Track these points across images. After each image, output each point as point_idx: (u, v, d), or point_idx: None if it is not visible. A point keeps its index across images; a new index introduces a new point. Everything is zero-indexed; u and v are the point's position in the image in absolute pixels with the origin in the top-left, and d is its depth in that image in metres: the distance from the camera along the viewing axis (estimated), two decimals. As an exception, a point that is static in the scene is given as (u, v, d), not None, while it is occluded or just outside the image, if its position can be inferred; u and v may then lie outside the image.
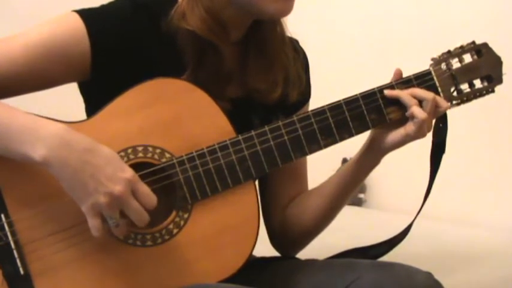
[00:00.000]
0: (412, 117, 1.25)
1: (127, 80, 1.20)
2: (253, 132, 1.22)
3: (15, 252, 1.14)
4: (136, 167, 1.15)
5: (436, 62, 1.30)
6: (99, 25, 1.21)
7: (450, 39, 1.35)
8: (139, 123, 1.19)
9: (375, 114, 1.27)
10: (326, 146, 1.25)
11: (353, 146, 1.34)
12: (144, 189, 1.13)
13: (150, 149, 1.19)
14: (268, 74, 1.30)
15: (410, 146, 1.30)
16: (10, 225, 1.14)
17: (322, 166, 1.68)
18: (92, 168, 1.09)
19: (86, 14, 1.21)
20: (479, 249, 1.83)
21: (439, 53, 1.31)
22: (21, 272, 1.14)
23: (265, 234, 1.39)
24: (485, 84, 1.32)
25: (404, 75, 1.30)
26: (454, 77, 1.30)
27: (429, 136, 1.31)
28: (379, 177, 1.62)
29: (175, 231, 1.19)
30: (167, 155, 1.19)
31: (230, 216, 1.21)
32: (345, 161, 2.31)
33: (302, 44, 1.41)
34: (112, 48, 1.21)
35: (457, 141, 1.43)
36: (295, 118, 1.24)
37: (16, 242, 1.14)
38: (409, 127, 1.26)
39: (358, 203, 2.41)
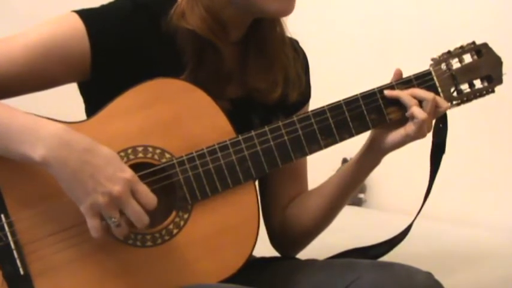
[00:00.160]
0: (412, 117, 1.25)
1: (127, 80, 1.20)
2: (253, 133, 1.22)
3: (15, 252, 1.14)
4: (136, 167, 1.15)
5: (436, 62, 1.30)
6: (99, 25, 1.21)
7: (450, 39, 1.35)
8: (139, 124, 1.19)
9: (375, 114, 1.27)
10: (326, 146, 1.25)
11: (353, 146, 1.34)
12: (144, 189, 1.13)
13: (150, 149, 1.19)
14: (268, 74, 1.30)
15: (410, 146, 1.30)
16: (10, 225, 1.14)
17: (322, 166, 1.68)
18: (92, 168, 1.09)
19: (85, 14, 1.21)
20: (479, 249, 1.83)
21: (439, 53, 1.31)
22: (21, 272, 1.14)
23: (265, 234, 1.39)
24: (485, 84, 1.32)
25: (404, 75, 1.30)
26: (454, 77, 1.30)
27: (429, 136, 1.31)
28: (379, 177, 1.62)
29: (175, 231, 1.19)
30: (167, 155, 1.19)
31: (230, 217, 1.21)
32: (345, 161, 2.31)
33: (302, 44, 1.41)
34: (112, 48, 1.21)
35: (457, 141, 1.43)
36: (295, 118, 1.24)
37: (16, 243, 1.14)
38: (409, 127, 1.26)
39: (358, 203, 2.41)
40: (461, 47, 1.31)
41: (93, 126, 1.18)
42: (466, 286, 1.57)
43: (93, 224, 1.11)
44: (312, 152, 1.25)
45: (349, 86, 1.38)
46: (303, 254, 1.42)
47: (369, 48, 2.42)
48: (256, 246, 1.22)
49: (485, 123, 2.14)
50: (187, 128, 1.21)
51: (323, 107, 1.25)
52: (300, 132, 1.24)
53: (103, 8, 1.24)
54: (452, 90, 1.30)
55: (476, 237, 1.93)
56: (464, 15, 2.19)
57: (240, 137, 1.22)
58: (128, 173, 1.11)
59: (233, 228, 1.21)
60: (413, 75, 1.29)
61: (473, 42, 1.32)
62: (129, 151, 1.18)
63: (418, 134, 1.26)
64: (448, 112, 1.31)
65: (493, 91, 1.32)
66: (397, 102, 1.27)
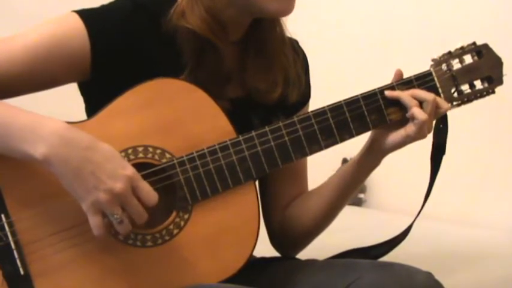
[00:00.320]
0: (413, 118, 1.25)
1: (127, 80, 1.20)
2: (253, 133, 1.22)
3: (15, 252, 1.14)
4: (136, 167, 1.15)
5: (437, 62, 1.30)
6: (99, 25, 1.21)
7: (451, 39, 1.35)
8: (139, 124, 1.19)
9: (375, 115, 1.27)
10: (327, 146, 1.25)
11: (353, 146, 1.34)
12: (145, 186, 1.13)
13: (151, 149, 1.19)
14: (267, 74, 1.30)
15: (410, 146, 1.30)
16: (10, 225, 1.14)
17: (322, 166, 1.68)
18: (92, 165, 1.09)
19: (86, 15, 1.21)
20: (479, 249, 1.83)
21: (440, 54, 1.31)
22: (22, 272, 1.14)
23: (265, 235, 1.39)
24: (486, 85, 1.32)
25: (404, 76, 1.30)
26: (455, 78, 1.30)
27: (429, 136, 1.30)
28: (379, 177, 1.62)
29: (175, 231, 1.19)
30: (167, 156, 1.19)
31: (230, 217, 1.21)
32: (345, 161, 2.31)
33: (302, 44, 1.41)
34: (112, 48, 1.21)
35: (457, 141, 1.43)
36: (295, 119, 1.24)
37: (16, 243, 1.14)
38: (410, 128, 1.26)
39: (358, 203, 2.41)
40: (462, 48, 1.31)
41: (93, 126, 1.18)
42: (466, 286, 1.57)
43: (95, 222, 1.11)
44: (312, 152, 1.25)
45: (349, 86, 1.38)
46: (303, 254, 1.42)
47: (369, 48, 2.42)
48: (257, 246, 1.22)
49: (486, 123, 2.14)
50: (187, 128, 1.21)
51: (324, 107, 1.25)
52: (301, 132, 1.24)
53: (103, 8, 1.24)
54: (452, 91, 1.30)
55: (476, 237, 1.93)
56: (464, 16, 2.19)
57: (241, 137, 1.22)
58: (129, 170, 1.11)
59: (233, 228, 1.21)
60: (414, 75, 1.29)
61: (474, 43, 1.32)
62: (130, 151, 1.18)
63: (419, 135, 1.26)
64: (448, 112, 1.31)
65: (493, 92, 1.32)
66: (397, 103, 1.27)
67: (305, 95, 1.38)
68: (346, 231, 1.75)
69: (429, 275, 1.19)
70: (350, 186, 1.34)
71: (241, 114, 1.28)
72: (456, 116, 1.35)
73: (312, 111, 1.25)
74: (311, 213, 1.37)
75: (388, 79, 1.30)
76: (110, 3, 1.25)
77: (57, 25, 1.21)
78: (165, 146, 1.19)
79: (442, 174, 1.35)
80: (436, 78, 1.29)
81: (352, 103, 1.26)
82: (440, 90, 1.29)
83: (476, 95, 1.32)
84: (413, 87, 1.28)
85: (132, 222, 1.13)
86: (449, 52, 1.31)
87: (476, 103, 1.33)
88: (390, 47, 2.35)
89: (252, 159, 1.21)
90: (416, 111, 1.25)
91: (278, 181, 1.39)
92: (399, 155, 1.34)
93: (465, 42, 1.32)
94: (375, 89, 1.27)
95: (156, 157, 1.19)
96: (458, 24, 2.17)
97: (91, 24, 1.20)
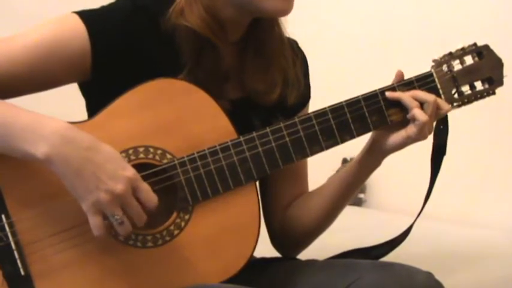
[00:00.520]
0: (413, 119, 1.25)
1: (127, 81, 1.20)
2: (254, 134, 1.22)
3: (15, 253, 1.14)
4: (137, 167, 1.15)
5: (438, 63, 1.30)
6: (100, 26, 1.21)
7: (451, 40, 1.35)
8: (140, 124, 1.19)
9: (376, 116, 1.27)
10: (327, 147, 1.25)
11: (353, 146, 1.34)
12: (145, 187, 1.13)
13: (151, 149, 1.19)
14: (266, 74, 1.30)
15: (410, 147, 1.30)
16: (11, 225, 1.14)
17: (322, 166, 1.68)
18: (93, 166, 1.09)
19: (86, 15, 1.21)
20: (479, 249, 1.83)
21: (440, 55, 1.31)
22: (22, 272, 1.14)
23: (266, 235, 1.39)
24: (486, 86, 1.32)
25: (405, 77, 1.29)
26: (455, 79, 1.30)
27: (430, 137, 1.31)
28: (379, 178, 1.62)
29: (176, 232, 1.19)
30: (168, 156, 1.19)
31: (231, 217, 1.21)
32: (345, 161, 2.31)
33: (302, 45, 1.40)
34: (112, 48, 1.21)
35: (458, 142, 1.43)
36: (296, 119, 1.24)
37: (17, 243, 1.14)
38: (410, 129, 1.26)
39: (358, 203, 2.41)
40: (463, 49, 1.31)
41: (94, 126, 1.18)
42: (466, 286, 1.57)
43: (95, 222, 1.11)
44: (313, 153, 1.25)
45: (349, 87, 1.38)
46: (304, 255, 1.42)
47: (369, 48, 2.42)
48: (257, 246, 1.22)
49: (486, 124, 2.14)
50: (188, 129, 1.21)
51: (324, 108, 1.25)
52: (302, 133, 1.24)
53: (103, 8, 1.24)
54: (453, 91, 1.30)
55: (476, 237, 1.93)
56: (464, 16, 2.19)
57: (242, 138, 1.22)
58: (130, 171, 1.11)
59: (234, 229, 1.21)
60: (415, 76, 1.29)
61: (475, 44, 1.32)
62: (130, 151, 1.18)
63: (419, 136, 1.26)
64: (449, 113, 1.31)
65: (493, 93, 1.33)
66: (398, 104, 1.27)
67: (304, 97, 1.38)
68: (346, 231, 1.75)
69: (429, 275, 1.19)
70: (350, 187, 1.35)
71: (241, 115, 1.28)
72: (457, 117, 1.35)
73: (312, 112, 1.25)
74: (312, 213, 1.37)
75: (388, 79, 1.30)
76: (110, 4, 1.26)
77: (58, 25, 1.21)
78: (166, 146, 1.19)
79: (442, 174, 1.35)
80: (436, 79, 1.29)
81: (353, 104, 1.26)
82: (441, 91, 1.29)
83: (477, 96, 1.32)
84: (414, 88, 1.28)
85: (132, 223, 1.13)
86: (450, 53, 1.31)
87: (476, 104, 1.33)
88: (390, 47, 2.34)
89: (253, 159, 1.21)
90: (417, 113, 1.25)
91: (279, 181, 1.39)
92: (399, 156, 1.34)
93: (466, 43, 1.32)
94: (375, 90, 1.27)
95: (157, 157, 1.19)
96: (459, 24, 2.17)
97: (91, 25, 1.20)
